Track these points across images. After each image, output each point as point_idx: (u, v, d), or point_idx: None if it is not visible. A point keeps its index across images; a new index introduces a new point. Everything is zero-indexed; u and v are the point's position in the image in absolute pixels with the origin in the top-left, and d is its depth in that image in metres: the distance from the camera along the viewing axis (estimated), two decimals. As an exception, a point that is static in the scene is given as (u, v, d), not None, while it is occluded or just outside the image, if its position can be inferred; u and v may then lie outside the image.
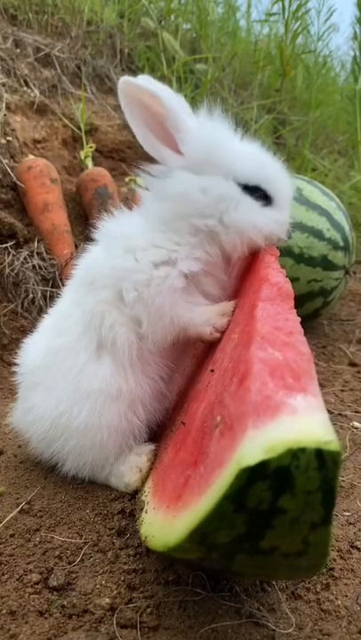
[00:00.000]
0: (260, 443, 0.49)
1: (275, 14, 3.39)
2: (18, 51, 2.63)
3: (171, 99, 0.87)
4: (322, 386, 1.55)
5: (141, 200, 0.95)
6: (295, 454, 0.47)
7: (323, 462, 0.48)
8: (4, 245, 1.71)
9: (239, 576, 0.71)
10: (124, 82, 0.87)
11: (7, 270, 1.67)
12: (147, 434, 0.97)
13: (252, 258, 0.94)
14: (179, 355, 0.96)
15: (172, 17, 3.30)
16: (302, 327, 1.94)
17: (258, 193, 0.89)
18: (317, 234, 1.74)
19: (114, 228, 0.94)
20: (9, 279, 1.67)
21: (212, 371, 0.81)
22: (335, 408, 1.40)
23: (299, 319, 0.67)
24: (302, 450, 0.47)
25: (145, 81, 0.88)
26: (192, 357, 1.08)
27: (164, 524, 0.64)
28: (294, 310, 0.69)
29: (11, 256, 1.70)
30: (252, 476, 0.48)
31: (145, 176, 0.93)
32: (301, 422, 0.50)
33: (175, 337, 0.90)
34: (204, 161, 0.88)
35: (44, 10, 2.96)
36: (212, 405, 0.70)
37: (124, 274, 0.88)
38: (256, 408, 0.53)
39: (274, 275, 0.78)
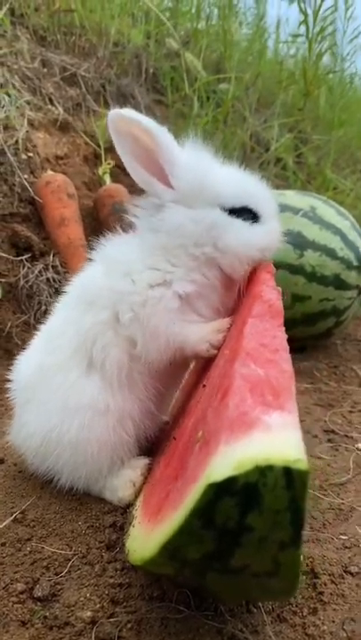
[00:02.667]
0: (229, 459, 0.49)
1: (300, 35, 3.42)
2: (45, 70, 2.70)
3: (160, 132, 0.88)
4: (330, 406, 1.53)
5: (136, 228, 0.97)
6: (263, 471, 0.47)
7: (291, 481, 0.47)
8: (20, 258, 1.74)
9: (216, 595, 0.70)
10: (115, 114, 0.89)
11: (22, 282, 1.70)
12: (139, 448, 0.97)
13: (251, 276, 0.94)
14: (169, 378, 0.97)
15: (198, 38, 3.36)
16: (315, 346, 1.93)
17: (246, 213, 0.92)
18: (330, 252, 1.73)
19: (112, 251, 0.96)
20: (23, 291, 1.70)
21: (204, 386, 0.81)
22: (341, 429, 1.37)
23: (286, 336, 0.67)
24: (270, 467, 0.47)
25: (135, 114, 0.89)
26: (193, 373, 1.08)
27: (144, 538, 0.64)
28: (283, 327, 0.69)
29: (26, 268, 1.74)
30: (219, 492, 0.48)
31: (137, 209, 0.96)
32: (273, 440, 0.50)
33: (171, 356, 0.90)
34: (193, 193, 0.91)
35: (72, 31, 3.05)
36: (198, 421, 0.70)
37: (122, 296, 0.89)
38: (231, 424, 0.53)
39: (267, 292, 0.78)
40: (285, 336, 0.67)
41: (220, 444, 0.51)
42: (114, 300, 0.90)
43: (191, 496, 0.51)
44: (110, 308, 0.90)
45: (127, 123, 0.89)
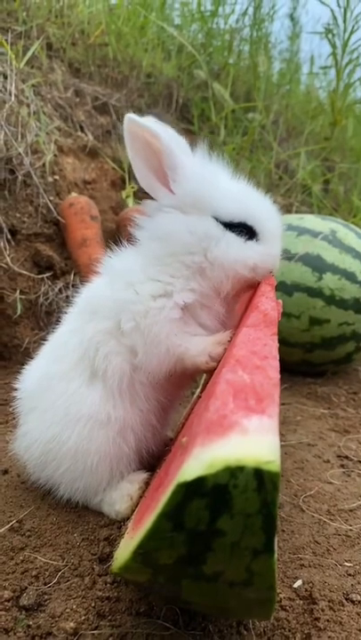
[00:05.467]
0: (201, 459, 0.48)
1: (329, 67, 3.47)
2: (77, 100, 2.81)
3: (169, 139, 0.90)
4: (346, 432, 1.49)
5: (137, 237, 0.97)
6: (233, 472, 0.46)
7: (262, 483, 0.46)
8: (41, 276, 1.78)
9: (195, 607, 0.68)
10: (129, 120, 0.91)
11: (41, 299, 1.73)
12: (141, 463, 0.96)
13: (253, 290, 0.93)
14: (171, 390, 0.96)
15: (229, 71, 3.43)
16: (335, 371, 1.88)
17: (243, 229, 0.91)
18: (350, 276, 1.70)
19: (116, 262, 0.97)
20: (42, 308, 1.73)
21: (200, 397, 0.80)
22: (356, 455, 1.33)
23: (277, 345, 0.66)
24: (241, 468, 0.46)
25: (148, 120, 0.91)
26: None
27: (124, 546, 0.62)
28: (276, 336, 0.68)
29: (46, 286, 1.77)
30: (189, 492, 0.47)
31: (139, 215, 0.97)
32: (248, 442, 0.49)
33: (171, 367, 0.90)
34: (191, 201, 0.91)
35: (106, 64, 3.16)
36: (186, 429, 0.69)
37: (125, 305, 0.90)
38: (209, 427, 0.52)
39: (263, 302, 0.77)
40: (277, 344, 0.66)
41: (196, 447, 0.50)
42: (116, 309, 0.91)
43: (163, 498, 0.50)
44: (113, 317, 0.91)
45: (140, 127, 0.91)
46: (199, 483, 0.46)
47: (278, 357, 0.63)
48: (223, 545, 0.48)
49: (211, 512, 0.47)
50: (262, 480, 0.46)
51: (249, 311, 0.80)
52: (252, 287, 0.95)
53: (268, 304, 0.76)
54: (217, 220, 0.91)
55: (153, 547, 0.51)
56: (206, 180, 0.93)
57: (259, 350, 0.65)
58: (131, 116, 0.92)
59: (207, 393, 0.66)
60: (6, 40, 2.24)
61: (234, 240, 0.91)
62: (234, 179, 0.98)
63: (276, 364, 0.62)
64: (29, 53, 2.43)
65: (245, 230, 0.92)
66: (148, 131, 0.90)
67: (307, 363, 1.85)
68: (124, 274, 0.94)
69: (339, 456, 1.33)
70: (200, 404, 0.69)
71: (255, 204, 0.94)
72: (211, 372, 0.88)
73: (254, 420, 0.51)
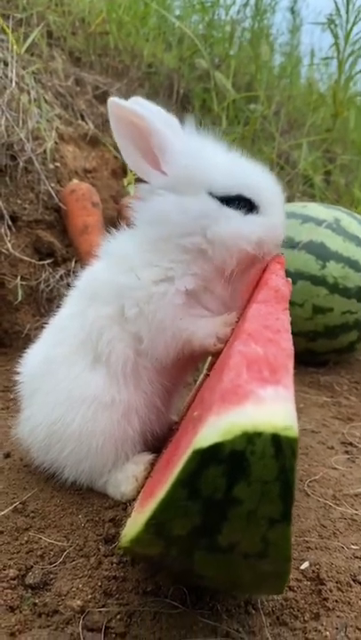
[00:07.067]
0: (218, 427, 0.47)
1: (331, 58, 3.46)
2: (78, 88, 2.79)
3: (156, 119, 0.86)
4: (350, 420, 1.48)
5: (133, 220, 0.94)
6: (251, 438, 0.45)
7: (280, 450, 0.45)
8: (42, 262, 1.77)
9: (207, 581, 0.67)
10: (113, 103, 0.87)
11: (42, 286, 1.72)
12: (146, 446, 0.95)
13: (263, 270, 0.92)
14: (176, 373, 0.94)
15: (230, 62, 3.42)
16: (337, 361, 1.86)
17: (240, 202, 0.87)
18: (354, 264, 1.69)
19: (115, 246, 0.95)
20: (43, 294, 1.72)
21: (208, 375, 0.79)
22: (360, 442, 1.32)
23: (289, 319, 0.65)
24: (258, 434, 0.45)
25: (133, 102, 0.88)
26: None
27: (133, 520, 0.61)
28: (287, 311, 0.67)
29: (47, 273, 1.75)
30: (205, 459, 0.46)
31: (134, 200, 0.94)
32: (265, 410, 0.48)
33: (179, 351, 0.88)
34: (184, 179, 0.87)
35: (106, 53, 3.14)
36: (196, 404, 0.68)
37: (126, 290, 0.88)
38: (223, 396, 0.51)
39: (273, 279, 0.76)
40: (289, 319, 0.65)
41: (212, 415, 0.49)
42: (118, 294, 0.89)
43: (177, 466, 0.49)
44: (113, 301, 0.89)
45: (124, 110, 0.87)
46: (216, 449, 0.45)
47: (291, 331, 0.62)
48: (239, 514, 0.47)
49: (227, 479, 0.46)
50: (280, 446, 0.45)
51: (259, 288, 0.79)
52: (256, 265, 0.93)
53: (279, 281, 0.75)
54: (212, 195, 0.87)
55: (167, 516, 0.50)
56: (197, 155, 0.89)
57: (271, 324, 0.63)
58: (114, 100, 0.87)
59: (219, 367, 0.65)
60: (7, 26, 2.22)
61: (233, 215, 0.86)
62: (226, 151, 0.92)
63: (289, 336, 0.61)
64: (29, 40, 2.41)
65: (244, 203, 0.87)
66: (132, 113, 0.86)
67: (310, 352, 1.84)
68: (122, 258, 0.91)
69: (343, 443, 1.32)
70: (210, 379, 0.68)
71: (250, 174, 0.90)
72: (217, 354, 0.87)
73: (269, 390, 0.50)
